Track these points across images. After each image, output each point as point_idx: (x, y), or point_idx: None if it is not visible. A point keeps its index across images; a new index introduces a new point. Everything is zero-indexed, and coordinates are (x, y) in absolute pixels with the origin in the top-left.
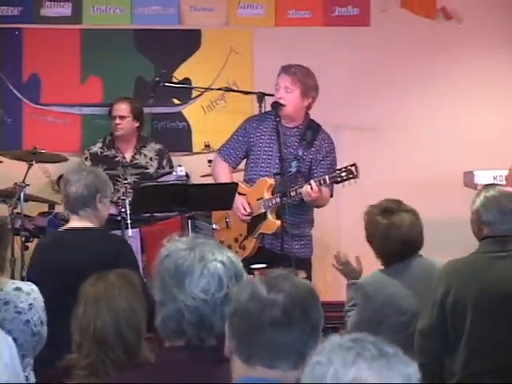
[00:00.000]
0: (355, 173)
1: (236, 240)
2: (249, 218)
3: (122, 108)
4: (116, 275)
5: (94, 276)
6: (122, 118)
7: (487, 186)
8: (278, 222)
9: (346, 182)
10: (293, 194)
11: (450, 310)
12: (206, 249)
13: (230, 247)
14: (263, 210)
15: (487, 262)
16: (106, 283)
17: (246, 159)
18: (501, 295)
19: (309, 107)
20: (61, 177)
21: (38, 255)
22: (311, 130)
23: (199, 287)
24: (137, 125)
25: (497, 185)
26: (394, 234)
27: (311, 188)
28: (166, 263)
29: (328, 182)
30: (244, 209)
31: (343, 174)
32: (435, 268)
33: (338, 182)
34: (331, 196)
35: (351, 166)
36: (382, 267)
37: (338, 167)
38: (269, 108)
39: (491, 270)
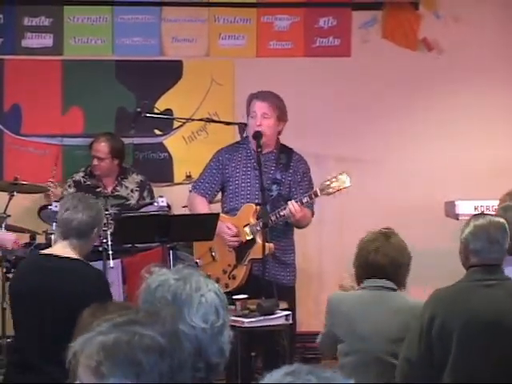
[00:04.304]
0: (346, 182)
1: (224, 271)
2: (236, 239)
3: (100, 150)
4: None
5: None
6: (100, 159)
7: (477, 216)
8: (271, 245)
9: (337, 193)
10: (273, 218)
11: (436, 338)
12: (200, 279)
13: (218, 280)
14: (251, 236)
15: (474, 290)
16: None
17: (222, 191)
18: (487, 324)
19: (280, 132)
20: (43, 208)
21: (14, 279)
22: (285, 153)
23: (198, 316)
24: (116, 162)
25: (486, 214)
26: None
27: (294, 208)
28: (159, 293)
29: (319, 194)
30: (229, 228)
31: (334, 185)
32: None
33: (329, 194)
34: (312, 215)
35: (341, 174)
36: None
37: (328, 177)
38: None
39: (478, 299)
